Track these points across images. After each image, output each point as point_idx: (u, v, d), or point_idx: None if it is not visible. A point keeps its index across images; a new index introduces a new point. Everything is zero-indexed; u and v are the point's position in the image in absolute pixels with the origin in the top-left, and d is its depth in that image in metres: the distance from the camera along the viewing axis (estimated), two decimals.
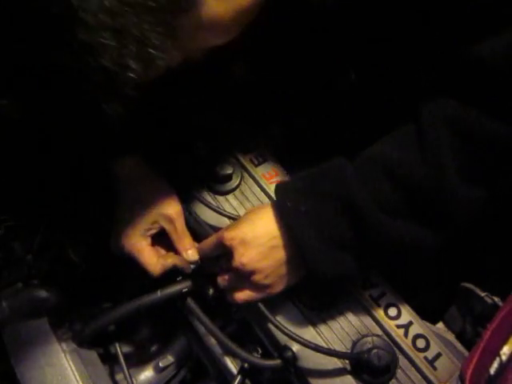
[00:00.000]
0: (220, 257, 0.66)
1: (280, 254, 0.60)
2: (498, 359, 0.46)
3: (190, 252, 0.69)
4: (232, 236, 0.61)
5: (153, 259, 0.68)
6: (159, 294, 0.67)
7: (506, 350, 0.46)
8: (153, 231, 0.69)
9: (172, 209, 0.70)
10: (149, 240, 0.69)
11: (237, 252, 0.61)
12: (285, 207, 0.59)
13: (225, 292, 0.65)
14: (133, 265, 0.69)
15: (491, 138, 0.54)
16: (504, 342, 0.46)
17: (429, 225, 0.57)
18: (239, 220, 0.65)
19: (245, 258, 0.60)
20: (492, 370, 0.46)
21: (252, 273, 0.60)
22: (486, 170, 0.56)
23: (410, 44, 0.68)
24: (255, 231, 0.61)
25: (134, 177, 0.71)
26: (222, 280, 0.64)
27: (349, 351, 0.61)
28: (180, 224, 0.70)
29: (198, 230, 0.71)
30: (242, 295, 0.63)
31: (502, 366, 0.45)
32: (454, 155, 0.55)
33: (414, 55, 0.70)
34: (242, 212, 0.73)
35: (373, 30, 0.70)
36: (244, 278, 0.62)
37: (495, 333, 0.48)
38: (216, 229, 0.73)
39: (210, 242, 0.66)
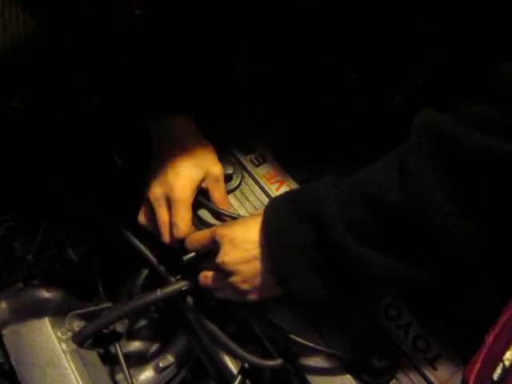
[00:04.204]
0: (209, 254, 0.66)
1: (260, 265, 0.60)
2: (501, 365, 0.45)
3: (231, 210, 0.73)
4: (223, 233, 0.62)
5: (190, 215, 0.69)
6: (159, 293, 0.67)
7: (509, 355, 0.46)
8: (198, 188, 0.71)
9: (218, 169, 0.73)
10: (193, 196, 0.71)
11: (222, 249, 0.61)
12: (266, 224, 0.59)
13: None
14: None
15: (486, 156, 0.44)
16: (507, 347, 0.46)
17: (409, 258, 0.50)
18: (237, 220, 0.65)
19: (227, 257, 0.60)
20: (495, 376, 0.45)
21: (231, 273, 0.60)
22: (476, 194, 0.46)
23: (410, 44, 0.68)
24: (245, 235, 0.61)
25: (184, 135, 0.73)
26: (204, 277, 0.65)
27: (349, 351, 0.61)
28: (222, 185, 0.74)
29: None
30: (221, 294, 0.64)
31: (506, 372, 0.45)
32: (438, 176, 0.47)
33: (414, 55, 0.70)
34: (242, 212, 0.73)
35: (373, 30, 0.70)
36: (224, 278, 0.62)
37: (498, 338, 0.47)
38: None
39: (201, 234, 0.66)
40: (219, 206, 0.72)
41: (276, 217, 0.58)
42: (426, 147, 0.47)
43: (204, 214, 0.74)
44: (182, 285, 0.68)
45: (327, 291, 0.56)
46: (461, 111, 0.48)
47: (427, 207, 0.47)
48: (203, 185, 0.72)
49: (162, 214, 0.70)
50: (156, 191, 0.70)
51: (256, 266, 0.60)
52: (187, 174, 0.70)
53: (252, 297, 0.61)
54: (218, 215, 0.73)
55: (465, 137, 0.45)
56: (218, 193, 0.73)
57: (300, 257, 0.56)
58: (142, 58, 0.74)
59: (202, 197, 0.73)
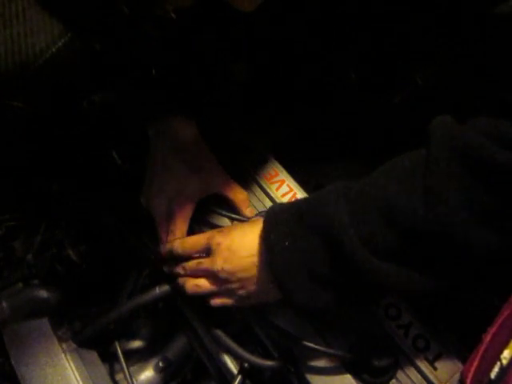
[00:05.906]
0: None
1: (258, 273, 0.59)
2: (498, 363, 0.46)
3: (249, 209, 0.73)
4: (220, 240, 0.61)
5: (186, 228, 0.69)
6: (157, 290, 0.67)
7: (506, 354, 0.46)
8: (201, 197, 0.71)
9: (226, 176, 0.73)
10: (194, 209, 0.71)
11: (220, 256, 0.60)
12: (268, 239, 0.57)
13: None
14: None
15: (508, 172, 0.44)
16: (504, 345, 0.46)
17: (427, 271, 0.51)
18: (234, 226, 0.65)
19: (227, 264, 0.59)
20: (493, 375, 0.45)
21: (227, 280, 0.60)
22: (503, 211, 0.46)
23: (410, 43, 0.68)
24: (243, 242, 0.60)
25: (186, 141, 0.73)
26: (195, 287, 0.63)
27: (349, 351, 0.61)
28: (236, 186, 0.73)
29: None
30: (216, 300, 0.63)
31: (503, 371, 0.45)
32: (463, 194, 0.46)
33: (414, 55, 0.70)
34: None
35: (373, 30, 0.70)
36: (219, 284, 0.61)
37: (495, 337, 0.47)
38: (217, 228, 0.73)
39: (196, 239, 0.65)
40: (238, 206, 0.72)
41: (278, 228, 0.56)
42: (450, 163, 0.47)
43: (216, 218, 0.74)
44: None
45: (330, 301, 0.56)
46: (482, 126, 0.47)
47: (452, 226, 0.47)
48: (213, 191, 0.72)
49: (163, 225, 0.70)
50: (157, 201, 0.70)
51: (254, 273, 0.59)
52: (191, 189, 0.70)
53: (249, 301, 0.62)
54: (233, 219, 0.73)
55: (492, 154, 0.44)
56: (232, 195, 0.72)
57: (303, 269, 0.54)
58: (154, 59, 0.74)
59: (216, 207, 0.73)
